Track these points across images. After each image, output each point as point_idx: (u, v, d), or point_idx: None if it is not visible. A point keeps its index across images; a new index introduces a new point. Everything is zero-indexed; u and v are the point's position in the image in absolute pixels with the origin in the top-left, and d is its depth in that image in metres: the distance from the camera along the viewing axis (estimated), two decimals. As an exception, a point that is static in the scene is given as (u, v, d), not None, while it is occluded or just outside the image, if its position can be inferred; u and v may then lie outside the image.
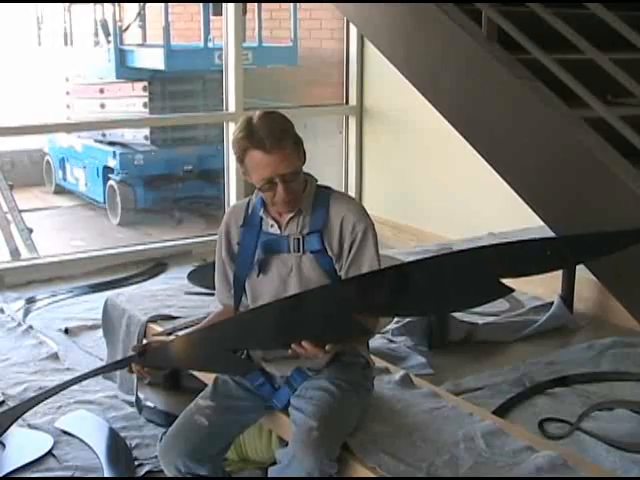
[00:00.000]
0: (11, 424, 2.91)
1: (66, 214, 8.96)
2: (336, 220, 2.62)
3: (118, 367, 2.94)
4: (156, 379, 3.87)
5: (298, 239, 2.63)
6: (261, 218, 2.69)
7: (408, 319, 4.58)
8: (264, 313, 2.48)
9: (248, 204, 2.76)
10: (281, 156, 2.48)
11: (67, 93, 9.08)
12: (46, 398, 2.88)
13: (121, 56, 8.28)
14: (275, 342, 2.50)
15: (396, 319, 4.70)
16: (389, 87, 6.28)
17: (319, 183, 2.71)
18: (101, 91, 8.61)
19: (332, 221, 2.62)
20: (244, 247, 2.71)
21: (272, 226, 2.67)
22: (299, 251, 2.62)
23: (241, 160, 2.56)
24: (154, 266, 6.06)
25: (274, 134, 2.48)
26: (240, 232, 2.72)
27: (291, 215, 2.64)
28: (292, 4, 7.92)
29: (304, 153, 2.60)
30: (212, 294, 2.89)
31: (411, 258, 4.35)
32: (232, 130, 6.15)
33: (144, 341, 3.59)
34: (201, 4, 7.84)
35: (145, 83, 8.12)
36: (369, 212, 2.68)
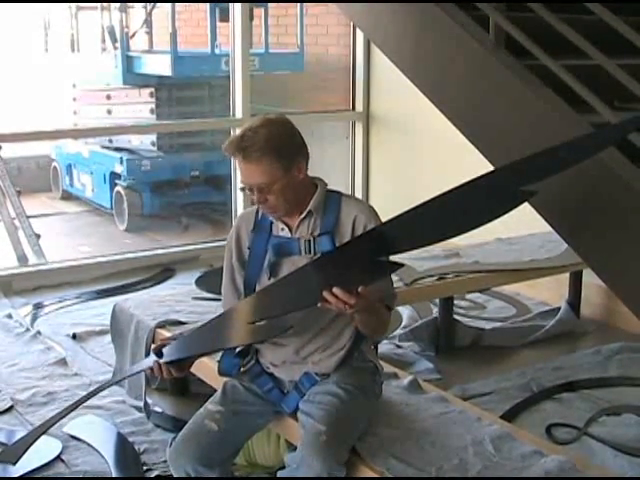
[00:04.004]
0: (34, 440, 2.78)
1: (73, 220, 8.98)
2: (348, 221, 2.63)
3: (140, 371, 2.90)
4: (163, 384, 3.89)
5: (309, 241, 2.63)
6: (271, 222, 2.70)
7: (415, 324, 4.60)
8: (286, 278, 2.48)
9: (258, 209, 2.77)
10: (252, 168, 2.52)
11: (74, 99, 9.11)
12: (74, 409, 2.77)
13: (128, 62, 8.32)
14: (303, 300, 2.44)
15: (403, 324, 4.72)
16: (396, 93, 6.29)
17: (329, 188, 2.73)
18: (108, 97, 8.64)
19: (343, 222, 2.64)
20: (255, 251, 2.71)
21: (282, 229, 2.68)
22: (310, 252, 2.63)
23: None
24: (161, 272, 6.08)
25: (252, 147, 2.50)
26: (251, 237, 2.73)
27: (301, 217, 2.65)
28: (298, 11, 7.94)
29: (299, 165, 2.58)
30: (220, 299, 2.89)
31: (418, 263, 4.38)
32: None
33: (152, 346, 3.59)
34: (208, 10, 7.86)
35: (152, 89, 8.16)
36: (376, 217, 2.69)
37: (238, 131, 2.61)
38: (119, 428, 3.68)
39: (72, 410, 2.70)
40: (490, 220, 2.27)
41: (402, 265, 2.44)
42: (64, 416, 2.73)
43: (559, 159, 2.24)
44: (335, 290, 2.30)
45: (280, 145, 2.53)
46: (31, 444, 2.73)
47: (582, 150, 2.27)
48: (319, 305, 2.38)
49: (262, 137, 2.51)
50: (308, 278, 2.41)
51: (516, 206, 2.24)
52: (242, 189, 2.62)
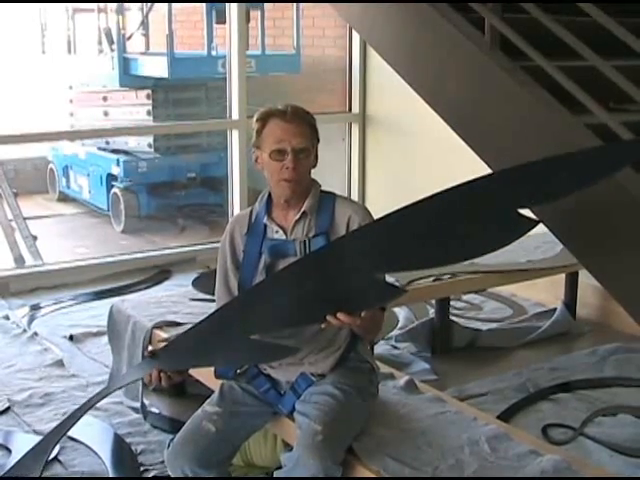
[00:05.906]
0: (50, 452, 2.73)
1: (70, 221, 8.97)
2: (342, 221, 2.65)
3: (136, 376, 2.85)
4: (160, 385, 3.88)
5: (304, 242, 2.65)
6: (265, 225, 2.71)
7: (412, 325, 4.60)
8: (284, 281, 2.41)
9: (251, 212, 2.77)
10: (298, 128, 2.61)
11: (70, 101, 9.10)
12: (78, 419, 2.66)
13: (125, 64, 8.31)
14: (304, 317, 2.44)
15: (399, 325, 4.73)
16: (392, 94, 6.30)
17: (322, 189, 2.74)
18: (105, 99, 8.63)
19: (338, 222, 2.65)
20: (249, 254, 2.72)
21: (277, 232, 2.69)
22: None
23: (259, 132, 2.64)
24: (158, 273, 6.09)
25: (296, 109, 2.65)
26: (245, 240, 2.74)
27: (296, 218, 2.66)
28: (295, 12, 7.95)
29: (316, 153, 2.70)
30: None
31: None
32: (235, 138, 6.24)
33: (149, 347, 3.60)
34: (204, 12, 7.86)
35: (149, 91, 8.14)
36: (372, 219, 2.70)
37: (261, 110, 2.68)
38: (116, 429, 3.68)
39: (79, 418, 2.65)
40: (488, 245, 2.25)
41: (405, 291, 2.44)
42: (72, 426, 2.66)
43: (569, 175, 2.16)
44: (340, 315, 2.31)
45: (314, 122, 2.69)
46: (47, 457, 2.70)
47: (590, 166, 2.19)
48: (323, 326, 2.40)
49: (300, 107, 2.68)
50: (307, 293, 2.36)
51: (520, 234, 2.20)
52: (271, 154, 2.61)
